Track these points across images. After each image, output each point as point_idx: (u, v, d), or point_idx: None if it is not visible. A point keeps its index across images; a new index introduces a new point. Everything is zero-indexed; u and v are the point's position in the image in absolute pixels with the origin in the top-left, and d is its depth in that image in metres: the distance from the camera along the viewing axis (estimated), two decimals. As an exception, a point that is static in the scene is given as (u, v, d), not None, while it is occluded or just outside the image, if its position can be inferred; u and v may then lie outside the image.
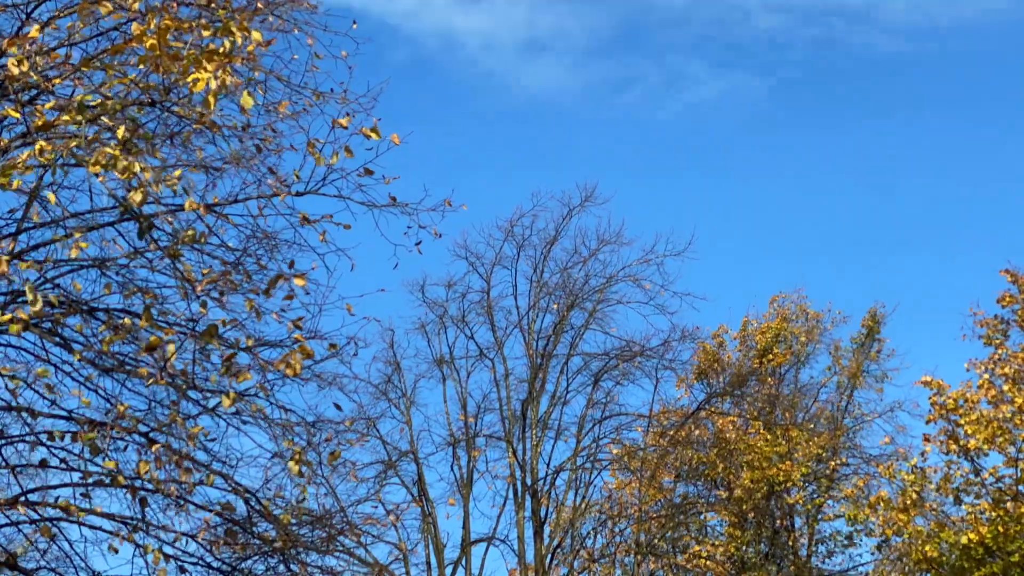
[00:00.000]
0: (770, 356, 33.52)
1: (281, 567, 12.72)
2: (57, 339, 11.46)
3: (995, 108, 63.57)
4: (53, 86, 10.25)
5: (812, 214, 61.14)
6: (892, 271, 58.50)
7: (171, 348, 10.07)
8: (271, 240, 12.00)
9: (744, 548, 31.59)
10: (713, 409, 30.25)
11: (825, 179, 63.34)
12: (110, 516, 11.70)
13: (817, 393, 34.55)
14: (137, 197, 9.18)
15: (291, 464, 11.49)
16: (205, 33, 9.91)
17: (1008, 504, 22.76)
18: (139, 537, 11.64)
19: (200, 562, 12.18)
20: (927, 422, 24.02)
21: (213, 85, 9.23)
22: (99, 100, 10.10)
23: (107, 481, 11.37)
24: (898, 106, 64.16)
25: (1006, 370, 23.37)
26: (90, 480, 11.46)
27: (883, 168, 63.19)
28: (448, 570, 26.86)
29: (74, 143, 9.35)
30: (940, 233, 61.54)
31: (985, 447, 23.00)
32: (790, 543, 32.32)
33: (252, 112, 11.39)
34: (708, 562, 29.90)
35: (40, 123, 9.84)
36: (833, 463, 32.29)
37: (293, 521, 12.65)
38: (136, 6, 10.28)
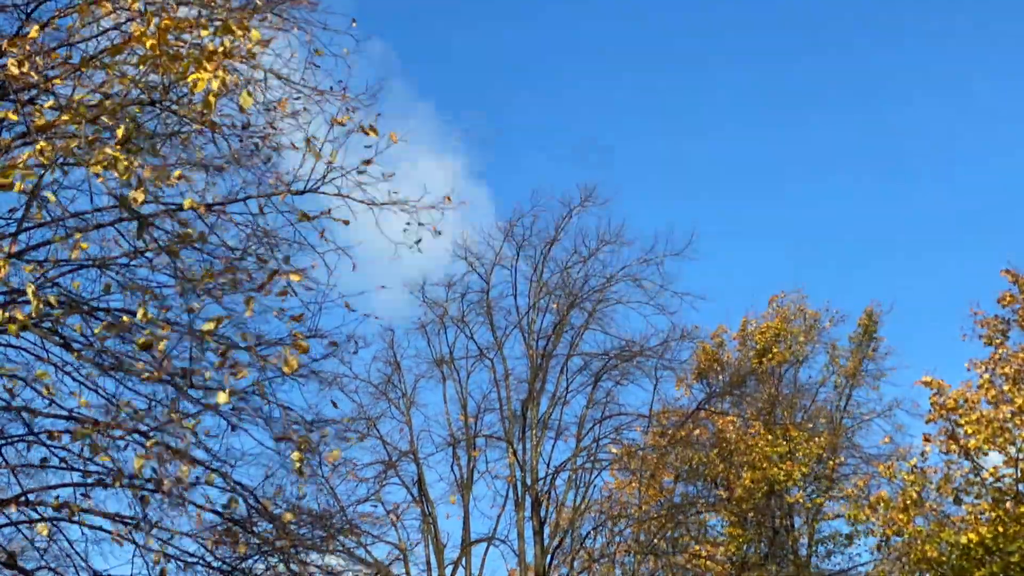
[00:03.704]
0: (769, 356, 33.51)
1: (281, 567, 12.70)
2: (57, 339, 11.43)
3: (995, 105, 63.57)
4: (53, 86, 10.22)
5: (814, 213, 61.14)
6: (892, 271, 58.50)
7: (162, 345, 10.02)
8: (271, 238, 11.98)
9: (744, 548, 31.57)
10: (712, 409, 30.21)
11: (826, 177, 63.32)
12: (110, 516, 11.68)
13: (816, 393, 34.56)
14: (139, 197, 9.17)
15: (293, 455, 11.46)
16: (204, 33, 9.89)
17: (1008, 504, 22.74)
18: (139, 537, 11.62)
19: (200, 561, 12.16)
20: (927, 422, 24.03)
21: (214, 85, 9.20)
22: (99, 100, 10.07)
23: (107, 480, 11.35)
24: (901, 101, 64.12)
25: (1007, 370, 23.35)
26: (90, 480, 11.44)
27: (883, 166, 63.15)
28: (448, 570, 26.83)
29: (74, 144, 9.32)
30: (940, 233, 61.54)
31: (985, 447, 22.99)
32: (790, 543, 32.30)
33: (251, 110, 11.38)
34: (708, 562, 29.87)
35: (40, 123, 9.82)
36: (833, 463, 32.28)
37: (293, 521, 12.62)
38: (136, 6, 10.26)
